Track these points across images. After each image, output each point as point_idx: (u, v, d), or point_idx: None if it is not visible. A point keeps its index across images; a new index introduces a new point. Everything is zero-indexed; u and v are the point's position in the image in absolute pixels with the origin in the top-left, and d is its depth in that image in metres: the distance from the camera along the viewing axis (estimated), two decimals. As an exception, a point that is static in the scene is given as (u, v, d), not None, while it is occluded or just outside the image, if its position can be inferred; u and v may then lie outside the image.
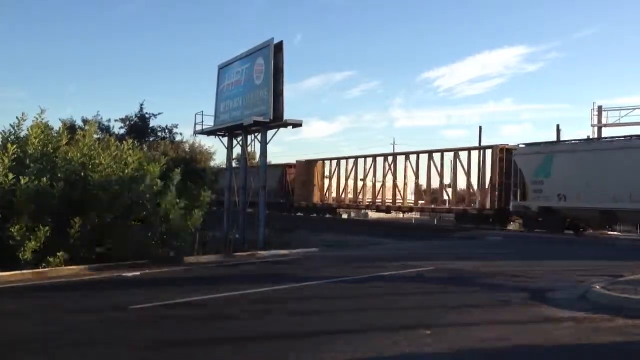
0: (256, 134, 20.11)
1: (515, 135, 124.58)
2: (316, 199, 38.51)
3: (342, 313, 8.08)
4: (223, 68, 22.34)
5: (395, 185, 33.56)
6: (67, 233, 12.15)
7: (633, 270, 11.39)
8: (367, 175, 34.96)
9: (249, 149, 22.17)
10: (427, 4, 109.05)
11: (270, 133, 19.18)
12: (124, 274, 11.63)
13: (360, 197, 35.68)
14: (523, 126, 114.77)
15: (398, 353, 5.92)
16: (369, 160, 35.26)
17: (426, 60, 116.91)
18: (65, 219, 12.28)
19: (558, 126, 34.62)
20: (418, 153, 32.56)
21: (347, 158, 37.16)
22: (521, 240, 21.54)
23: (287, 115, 18.33)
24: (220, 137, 23.21)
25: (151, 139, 33.47)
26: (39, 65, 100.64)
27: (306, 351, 5.97)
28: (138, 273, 11.82)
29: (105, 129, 32.46)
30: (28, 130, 13.13)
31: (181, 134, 42.30)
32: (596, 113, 30.39)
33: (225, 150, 23.06)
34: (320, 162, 39.81)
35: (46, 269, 11.64)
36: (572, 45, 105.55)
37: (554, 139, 32.05)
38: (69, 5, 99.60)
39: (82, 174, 13.29)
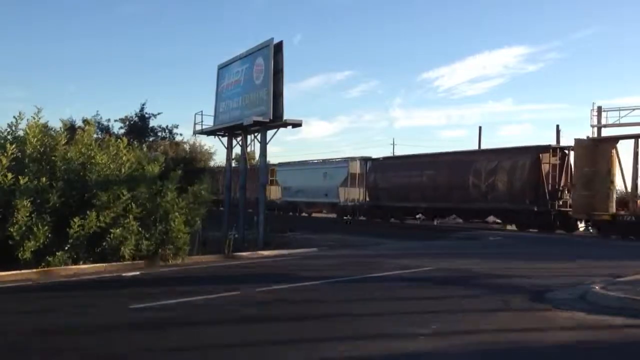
0: (256, 134, 20.12)
1: (515, 135, 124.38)
2: (619, 207, 22.67)
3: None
4: (222, 68, 22.32)
5: None
6: (66, 233, 12.13)
7: (632, 270, 11.38)
8: None
9: (249, 148, 22.19)
10: (427, 4, 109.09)
11: (269, 133, 19.18)
12: (123, 274, 11.61)
13: None
14: (523, 126, 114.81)
15: (398, 352, 5.91)
16: None
17: (426, 60, 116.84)
18: (64, 219, 12.27)
19: (558, 126, 34.58)
20: None
21: None
22: (520, 241, 21.53)
23: (287, 115, 18.34)
24: (220, 137, 23.23)
25: (151, 139, 33.45)
26: (39, 65, 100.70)
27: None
28: (137, 273, 11.80)
29: (105, 129, 32.43)
30: (25, 129, 13.10)
31: (181, 134, 42.34)
32: (595, 113, 30.36)
33: (225, 150, 23.09)
34: (630, 139, 22.86)
35: (45, 269, 11.62)
36: (571, 46, 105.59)
37: (554, 139, 31.61)
38: (69, 5, 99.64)
39: (81, 173, 13.28)
